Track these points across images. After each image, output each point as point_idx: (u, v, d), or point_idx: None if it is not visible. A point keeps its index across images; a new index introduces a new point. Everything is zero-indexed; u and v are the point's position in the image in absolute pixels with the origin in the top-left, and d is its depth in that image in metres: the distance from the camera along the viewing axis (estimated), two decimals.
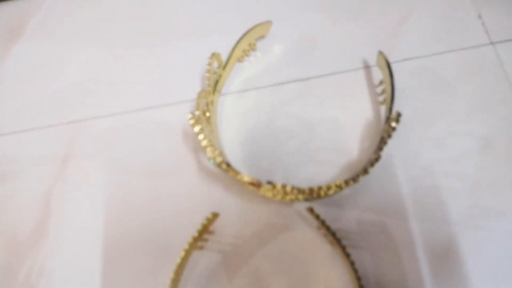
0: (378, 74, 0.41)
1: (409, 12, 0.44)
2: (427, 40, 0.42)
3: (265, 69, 0.43)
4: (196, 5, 0.48)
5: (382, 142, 0.35)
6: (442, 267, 0.34)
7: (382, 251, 0.35)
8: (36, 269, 0.39)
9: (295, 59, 0.43)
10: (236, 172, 0.32)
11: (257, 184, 0.31)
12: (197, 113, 0.36)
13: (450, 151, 0.37)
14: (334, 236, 0.34)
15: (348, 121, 0.40)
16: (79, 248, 0.39)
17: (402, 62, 0.41)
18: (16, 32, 0.50)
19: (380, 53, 0.39)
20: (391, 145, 0.37)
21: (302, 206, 0.37)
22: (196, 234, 0.35)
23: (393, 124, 0.34)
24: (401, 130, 0.38)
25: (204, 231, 0.36)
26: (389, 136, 0.34)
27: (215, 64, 0.40)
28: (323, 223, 0.34)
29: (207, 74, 0.39)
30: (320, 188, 0.31)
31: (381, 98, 0.40)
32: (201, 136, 0.34)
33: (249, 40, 0.42)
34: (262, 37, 0.44)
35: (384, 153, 0.36)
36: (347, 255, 0.33)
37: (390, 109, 0.36)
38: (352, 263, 0.33)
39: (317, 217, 0.34)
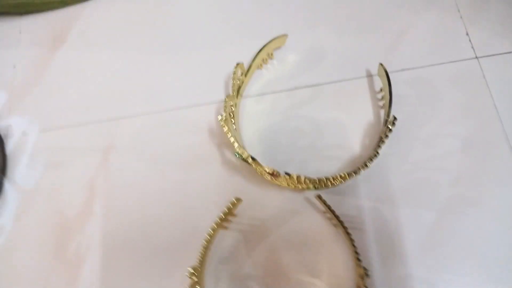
0: (379, 82, 0.47)
1: (406, 27, 0.51)
2: (421, 53, 0.49)
3: (280, 76, 0.50)
4: (221, 19, 0.55)
5: (380, 141, 0.42)
6: (428, 245, 0.41)
7: (377, 232, 0.42)
8: (83, 245, 0.46)
9: (306, 67, 0.50)
10: (260, 164, 0.39)
11: (276, 175, 0.38)
12: (224, 114, 0.42)
13: (436, 149, 0.44)
14: (338, 219, 0.40)
15: (352, 122, 0.47)
16: (121, 226, 0.46)
17: (399, 72, 0.48)
18: (59, 39, 0.56)
19: (380, 64, 0.45)
20: (388, 144, 0.44)
21: (311, 194, 0.44)
22: (222, 215, 0.42)
23: (390, 126, 0.41)
24: (396, 131, 0.45)
25: (229, 213, 0.43)
26: (386, 136, 0.41)
27: (239, 72, 0.46)
28: (329, 208, 0.41)
29: (232, 81, 0.46)
30: (327, 178, 0.38)
31: (380, 103, 0.47)
32: (229, 135, 0.41)
33: (268, 50, 0.49)
34: (278, 47, 0.51)
35: (382, 151, 0.43)
36: (348, 234, 0.40)
37: (388, 113, 0.43)
38: (352, 241, 0.40)
39: (324, 202, 0.41)
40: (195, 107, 0.50)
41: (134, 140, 0.50)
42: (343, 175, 0.38)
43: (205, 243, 0.42)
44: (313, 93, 0.49)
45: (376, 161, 0.42)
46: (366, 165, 0.39)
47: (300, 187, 0.42)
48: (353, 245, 0.39)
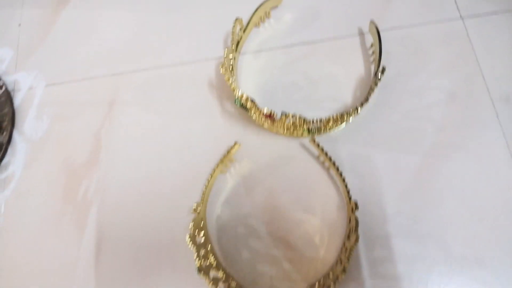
0: (370, 40, 0.50)
1: None
2: (409, 13, 0.52)
3: (277, 33, 0.53)
4: None
5: (370, 90, 0.45)
6: (415, 186, 0.44)
7: (367, 175, 0.45)
8: (91, 189, 0.49)
9: (301, 26, 0.53)
10: (258, 107, 0.42)
11: (273, 116, 0.41)
12: (225, 63, 0.45)
13: (423, 100, 0.48)
14: (330, 160, 0.44)
15: (344, 76, 0.50)
16: (125, 172, 0.49)
17: (389, 31, 0.51)
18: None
19: (372, 22, 0.48)
20: (378, 96, 0.47)
21: (305, 141, 0.47)
22: (221, 158, 0.45)
23: (379, 75, 0.44)
24: (386, 84, 0.48)
25: (228, 157, 0.46)
26: (376, 85, 0.44)
27: (238, 27, 0.49)
28: (322, 150, 0.44)
29: (232, 36, 0.49)
30: (321, 120, 0.41)
31: (371, 59, 0.50)
32: (229, 82, 0.43)
33: (265, 9, 0.52)
34: (275, 7, 0.53)
35: (372, 102, 0.47)
36: (340, 174, 0.43)
37: (378, 66, 0.46)
38: (343, 179, 0.43)
39: (318, 145, 0.44)
40: (195, 62, 0.53)
41: (137, 94, 0.52)
42: (335, 117, 0.41)
43: (207, 182, 0.45)
44: (308, 50, 0.52)
45: (367, 110, 0.46)
46: (357, 110, 0.42)
47: (295, 133, 0.45)
48: (344, 183, 0.43)
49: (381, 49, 0.47)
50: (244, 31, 0.50)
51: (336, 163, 0.43)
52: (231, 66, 0.47)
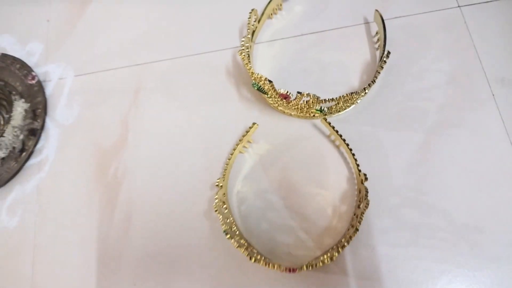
0: (374, 28, 0.55)
1: None
2: (411, 3, 0.56)
3: (289, 24, 0.57)
4: None
5: (377, 73, 0.49)
6: (418, 160, 0.49)
7: (374, 152, 0.49)
8: (120, 170, 0.53)
9: (311, 16, 0.57)
10: (274, 88, 0.46)
11: (288, 96, 0.46)
12: (243, 49, 0.49)
13: (425, 82, 0.52)
14: (340, 138, 0.48)
15: (351, 62, 0.54)
16: (151, 153, 0.53)
17: (392, 19, 0.55)
18: None
19: (376, 11, 0.53)
20: (383, 80, 0.51)
21: (317, 122, 0.51)
22: (241, 138, 0.49)
23: (385, 59, 0.48)
24: (390, 69, 0.52)
25: (247, 137, 0.50)
26: (382, 68, 0.49)
27: (253, 17, 0.53)
28: (333, 129, 0.48)
29: (248, 25, 0.53)
30: (332, 99, 0.46)
31: (376, 45, 0.54)
32: (248, 66, 0.48)
33: (277, 2, 0.56)
34: None
35: (377, 85, 0.51)
36: (350, 150, 0.48)
37: (383, 51, 0.50)
38: (353, 155, 0.47)
39: (329, 124, 0.48)
40: (213, 52, 0.57)
41: (160, 81, 0.57)
42: (345, 96, 0.45)
43: (227, 160, 0.49)
44: (317, 38, 0.56)
45: (373, 93, 0.50)
46: (364, 90, 0.47)
47: (308, 113, 0.49)
48: (354, 157, 0.47)
49: (385, 36, 0.51)
50: (258, 21, 0.54)
51: (346, 141, 0.47)
52: (247, 54, 0.51)
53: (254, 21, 0.54)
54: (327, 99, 0.45)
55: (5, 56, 0.60)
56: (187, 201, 0.50)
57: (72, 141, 0.55)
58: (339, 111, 0.50)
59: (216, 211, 0.44)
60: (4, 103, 0.57)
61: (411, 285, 0.43)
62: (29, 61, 0.60)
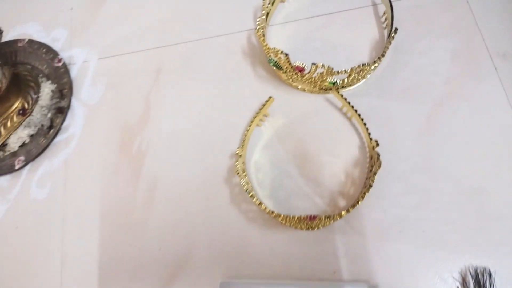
0: (382, 9, 0.58)
1: None
2: None
3: (300, 7, 0.61)
4: None
5: (385, 48, 0.52)
6: (426, 129, 0.52)
7: (384, 123, 0.53)
8: (144, 143, 0.56)
9: None
10: (290, 61, 0.49)
11: (303, 69, 0.49)
12: (259, 28, 0.53)
13: (430, 58, 0.55)
14: (353, 109, 0.51)
15: (361, 41, 0.57)
16: (173, 128, 0.57)
17: (398, 1, 0.59)
18: None
19: None
20: (391, 57, 0.55)
21: (329, 96, 0.55)
22: (258, 111, 0.53)
23: (393, 35, 0.52)
24: (397, 46, 0.55)
25: (263, 110, 0.53)
26: (390, 43, 0.52)
27: (268, 0, 0.57)
28: (345, 100, 0.51)
29: (263, 7, 0.56)
30: (345, 70, 0.49)
31: (384, 25, 0.57)
32: (264, 43, 0.51)
33: None
34: None
35: (386, 61, 0.54)
36: (362, 119, 0.51)
37: (390, 28, 0.54)
38: (364, 124, 0.50)
39: (341, 96, 0.51)
40: (230, 34, 0.61)
41: (180, 62, 0.60)
42: (357, 67, 0.49)
43: (246, 132, 0.52)
44: (328, 20, 0.60)
45: (382, 68, 0.53)
46: (375, 63, 0.50)
47: (322, 86, 0.53)
48: (365, 126, 0.50)
49: (393, 15, 0.54)
50: (272, 4, 0.58)
51: (357, 111, 0.51)
52: (263, 33, 0.55)
53: (268, 4, 0.57)
54: (339, 71, 0.48)
55: (32, 41, 0.63)
56: (208, 170, 0.53)
57: (97, 119, 0.59)
58: (350, 84, 0.53)
59: (237, 173, 0.47)
60: (32, 84, 0.60)
61: (421, 244, 0.46)
62: (54, 47, 0.63)
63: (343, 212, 0.41)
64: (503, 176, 0.48)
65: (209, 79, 0.58)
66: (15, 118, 0.58)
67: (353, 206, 0.42)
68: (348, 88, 0.54)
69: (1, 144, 0.57)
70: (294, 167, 0.52)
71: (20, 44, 0.63)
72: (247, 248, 0.49)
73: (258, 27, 0.53)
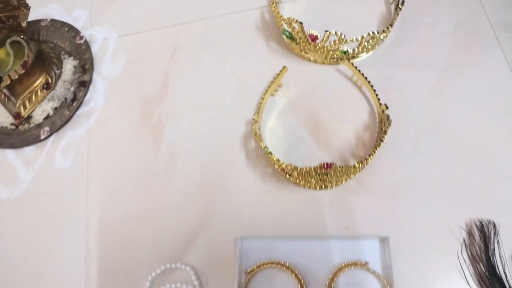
0: None
1: None
2: None
3: None
4: None
5: (393, 20, 0.55)
6: (432, 97, 0.54)
7: (393, 90, 0.55)
8: (163, 115, 0.59)
9: None
10: (303, 30, 0.52)
11: (317, 37, 0.52)
12: (273, 3, 0.56)
13: (436, 29, 0.58)
14: (363, 77, 0.54)
15: (369, 15, 0.60)
16: (191, 99, 0.59)
17: None
18: None
19: None
20: (398, 29, 0.57)
21: (340, 67, 0.57)
22: (272, 80, 0.56)
23: (400, 6, 0.55)
24: (404, 20, 0.58)
25: (278, 80, 0.56)
26: (398, 14, 0.55)
27: None
28: (355, 68, 0.54)
29: None
30: (356, 38, 0.52)
31: (391, 0, 0.60)
32: (279, 15, 0.54)
33: None
34: None
35: (393, 33, 0.57)
36: (372, 86, 0.54)
37: (398, 2, 0.57)
38: (374, 90, 0.53)
39: (352, 64, 0.54)
40: (243, 11, 0.64)
41: (197, 39, 0.63)
42: (367, 35, 0.51)
43: (261, 100, 0.55)
44: None
45: (390, 40, 0.56)
46: (384, 32, 0.53)
47: (334, 55, 0.55)
48: (375, 92, 0.53)
49: None
50: None
51: (367, 79, 0.54)
52: (277, 6, 0.58)
53: None
54: (350, 39, 0.51)
55: (54, 21, 0.67)
56: (224, 138, 0.56)
57: (117, 92, 0.62)
58: (360, 53, 0.56)
59: (255, 133, 0.49)
60: (55, 61, 0.63)
61: (429, 200, 0.49)
62: (75, 26, 0.66)
63: (356, 164, 0.44)
64: (505, 137, 0.51)
65: (224, 54, 0.61)
66: (39, 92, 0.61)
67: (366, 159, 0.45)
68: (358, 59, 0.56)
69: (27, 117, 0.60)
70: (307, 133, 0.55)
71: (43, 24, 0.66)
72: (263, 209, 0.52)
73: (272, 1, 0.56)
